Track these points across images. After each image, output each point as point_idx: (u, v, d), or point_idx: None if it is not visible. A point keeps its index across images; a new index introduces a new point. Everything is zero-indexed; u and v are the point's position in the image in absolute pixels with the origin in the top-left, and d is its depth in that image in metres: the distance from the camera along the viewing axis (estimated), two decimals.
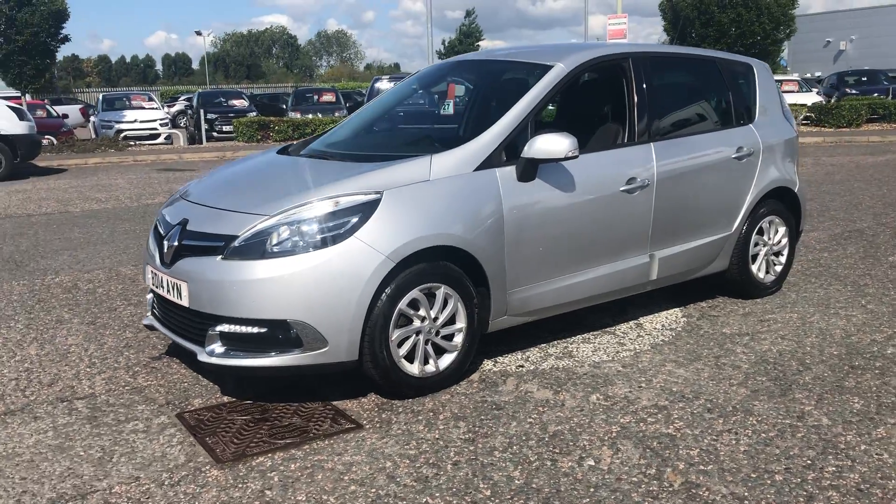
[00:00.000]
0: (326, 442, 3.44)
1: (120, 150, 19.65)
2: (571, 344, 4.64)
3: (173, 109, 29.48)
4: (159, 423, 3.67)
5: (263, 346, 3.63)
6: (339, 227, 3.62)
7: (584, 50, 4.73)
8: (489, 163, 4.05)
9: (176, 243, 3.88)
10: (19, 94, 28.04)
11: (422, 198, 3.81)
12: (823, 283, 5.91)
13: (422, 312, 3.83)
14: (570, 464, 3.18)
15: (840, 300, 5.44)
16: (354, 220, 3.64)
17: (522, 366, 4.31)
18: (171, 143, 21.90)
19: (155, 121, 22.72)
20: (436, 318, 3.89)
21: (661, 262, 4.79)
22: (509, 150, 4.12)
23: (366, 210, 3.67)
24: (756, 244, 5.41)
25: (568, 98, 5.22)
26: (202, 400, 3.94)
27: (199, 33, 64.37)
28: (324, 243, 3.58)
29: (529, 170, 4.11)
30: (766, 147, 5.35)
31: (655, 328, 4.91)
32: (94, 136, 22.46)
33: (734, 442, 3.34)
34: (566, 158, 4.05)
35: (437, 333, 3.92)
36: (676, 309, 5.30)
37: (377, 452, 3.32)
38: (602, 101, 4.93)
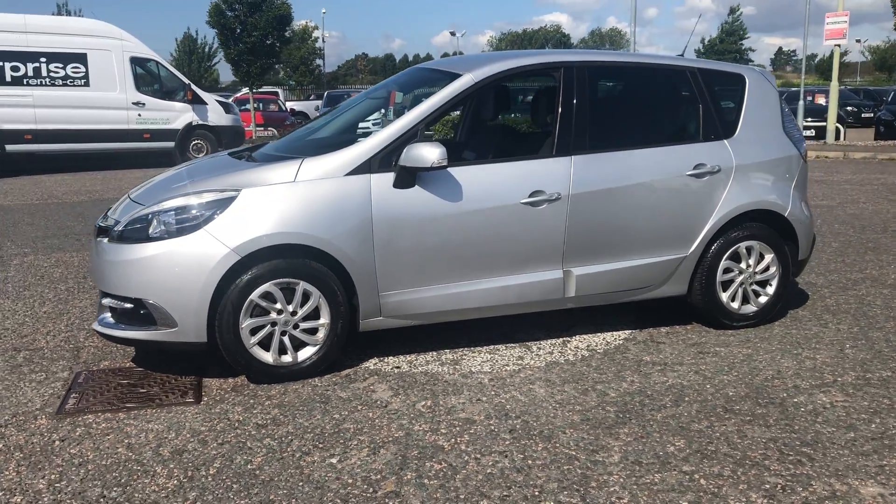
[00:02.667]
0: (155, 410, 3.86)
1: None
2: (470, 352, 4.65)
3: None
4: (57, 376, 4.31)
5: (132, 320, 4.13)
6: (193, 220, 4.02)
7: (507, 59, 4.68)
8: (364, 169, 4.21)
9: (98, 225, 4.50)
10: (276, 91, 31.38)
11: (281, 198, 4.09)
12: (833, 321, 5.26)
13: (278, 305, 4.11)
14: (316, 458, 3.33)
15: (824, 340, 4.85)
16: (208, 214, 4.02)
17: (399, 367, 4.43)
18: None
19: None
20: (294, 312, 4.15)
21: (579, 280, 4.62)
22: (395, 158, 4.24)
23: (221, 206, 4.03)
24: (728, 270, 4.98)
25: (495, 107, 5.16)
26: (110, 363, 4.54)
27: (452, 34, 67.38)
28: (179, 233, 4.00)
29: (405, 177, 4.21)
30: (741, 165, 4.90)
31: (577, 346, 4.75)
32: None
33: (492, 464, 3.28)
34: (433, 168, 4.11)
35: (297, 327, 4.17)
36: (626, 330, 5.05)
37: (178, 425, 3.68)
38: (530, 110, 4.84)
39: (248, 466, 3.26)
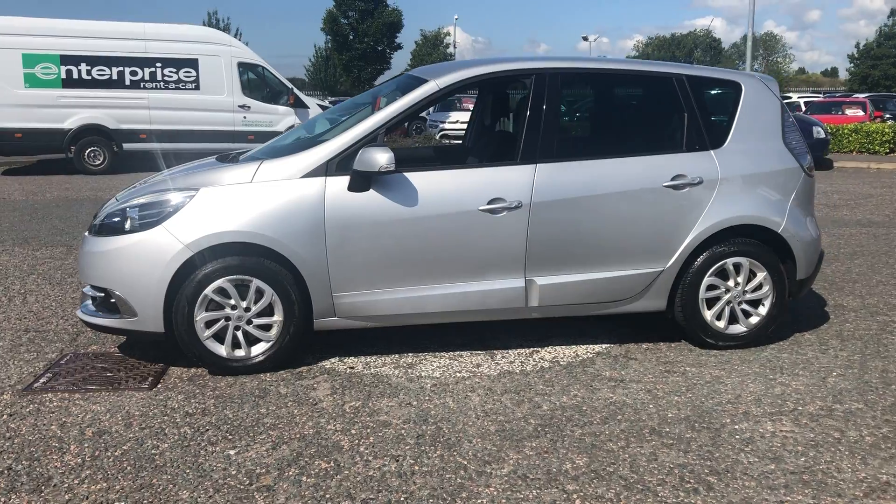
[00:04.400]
0: (109, 393, 4.13)
1: None
2: (432, 357, 4.67)
3: None
4: (46, 357, 4.68)
5: (105, 309, 4.43)
6: (153, 217, 4.27)
7: (474, 67, 4.66)
8: (320, 172, 4.33)
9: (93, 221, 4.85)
10: None
11: (236, 198, 4.27)
12: (837, 346, 4.91)
13: (232, 301, 4.29)
14: (217, 448, 3.47)
15: (811, 367, 4.54)
16: (167, 211, 4.25)
17: (353, 367, 4.52)
18: None
19: None
20: (248, 309, 4.32)
21: (543, 290, 4.55)
22: (353, 162, 4.33)
23: (179, 204, 4.26)
24: (713, 287, 4.75)
25: (493, 114, 5.13)
26: (98, 347, 4.87)
27: (585, 39, 66.51)
28: (141, 228, 4.26)
29: (359, 181, 4.30)
30: (727, 177, 4.67)
31: (543, 357, 4.67)
32: (416, 133, 25.03)
33: (379, 467, 3.31)
34: (381, 172, 4.18)
35: (250, 323, 4.34)
36: (605, 344, 4.92)
37: (118, 408, 3.92)
38: (500, 117, 4.79)
39: (152, 451, 3.44)
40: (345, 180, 4.31)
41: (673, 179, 4.60)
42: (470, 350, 4.80)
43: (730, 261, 4.72)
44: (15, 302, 5.88)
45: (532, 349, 4.83)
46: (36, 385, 4.23)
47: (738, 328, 4.82)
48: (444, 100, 4.52)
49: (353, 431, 3.65)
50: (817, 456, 3.42)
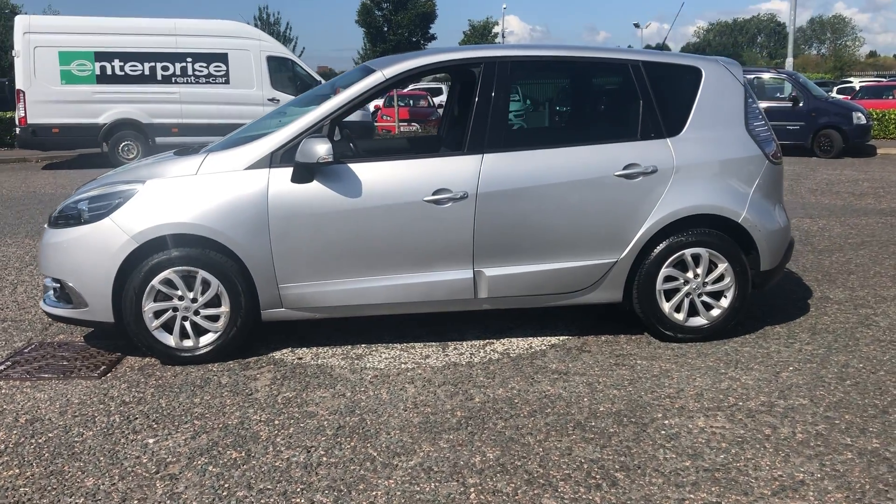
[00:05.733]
0: (58, 382, 4.24)
1: None
2: (383, 348, 4.67)
3: None
4: (13, 345, 4.83)
5: (63, 299, 4.54)
6: (102, 209, 4.35)
7: (422, 57, 4.62)
8: (265, 163, 4.36)
9: None
10: (440, 88, 32.00)
11: (181, 190, 4.33)
12: (805, 340, 4.74)
13: (179, 292, 4.36)
14: (139, 437, 3.53)
15: (769, 361, 4.39)
16: (115, 203, 4.33)
17: (302, 358, 4.54)
18: None
19: None
20: (195, 300, 4.38)
21: (492, 281, 4.50)
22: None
23: (126, 196, 4.33)
24: (670, 279, 4.63)
25: (460, 103, 5.07)
26: (66, 336, 5.00)
27: (636, 25, 65.33)
28: (91, 220, 4.35)
29: (302, 172, 4.31)
30: (683, 165, 4.54)
31: (494, 350, 4.63)
32: None
33: (288, 458, 3.33)
34: (320, 163, 4.19)
35: (198, 313, 4.40)
36: (562, 336, 4.84)
37: (60, 397, 4.02)
38: (456, 106, 4.75)
39: (75, 439, 3.52)
40: (289, 172, 4.33)
41: (625, 168, 4.49)
42: (424, 342, 4.79)
43: (688, 251, 4.60)
44: (4, 292, 6.07)
45: (487, 340, 4.79)
46: None
47: (699, 320, 4.69)
48: (391, 90, 4.47)
49: (277, 422, 3.67)
50: (738, 453, 3.32)
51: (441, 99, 30.11)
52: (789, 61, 22.86)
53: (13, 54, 16.03)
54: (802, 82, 17.00)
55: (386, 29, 21.80)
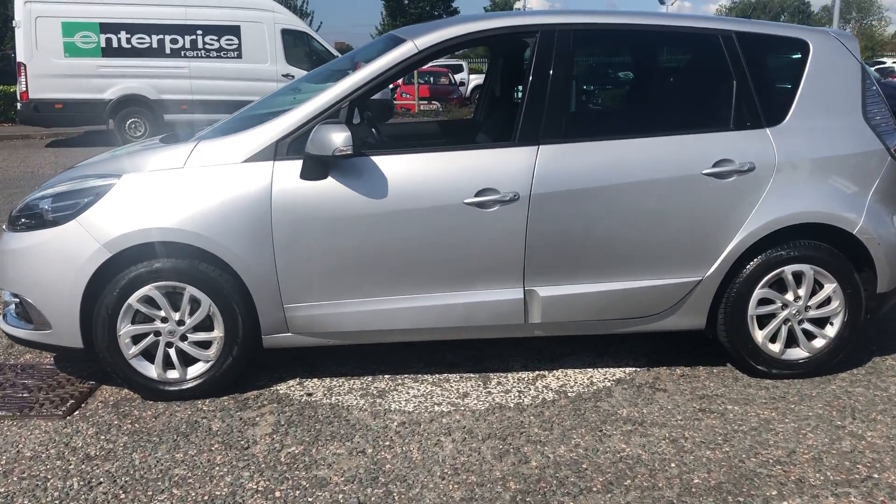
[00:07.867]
0: (7, 424, 3.43)
1: None
2: (411, 381, 3.84)
3: None
4: None
5: (22, 317, 3.73)
6: (68, 209, 3.52)
7: (463, 24, 3.73)
8: (268, 154, 3.51)
9: None
10: (460, 65, 31.17)
11: (164, 187, 3.49)
12: None
13: (162, 313, 3.53)
14: (74, 483, 2.73)
15: (892, 410, 3.53)
16: (84, 202, 3.50)
17: (312, 394, 3.72)
18: None
19: None
20: (181, 322, 3.55)
21: (546, 303, 3.64)
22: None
23: (98, 194, 3.50)
24: (765, 301, 3.76)
25: (503, 83, 4.19)
26: (34, 356, 4.20)
27: (661, 2, 63.59)
28: (54, 223, 3.52)
29: (314, 167, 3.46)
30: (787, 162, 3.65)
31: (547, 386, 3.78)
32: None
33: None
34: (335, 155, 3.33)
35: (185, 338, 3.58)
36: (630, 367, 3.99)
37: (9, 445, 3.23)
38: (498, 87, 3.87)
39: (34, 483, 2.72)
40: (297, 166, 3.48)
41: (715, 166, 3.61)
42: (460, 372, 3.95)
43: (788, 269, 3.72)
44: None
45: (537, 373, 3.95)
46: None
47: (798, 353, 3.82)
48: (423, 65, 3.59)
49: (278, 494, 2.85)
50: None
51: (461, 76, 29.05)
52: None
53: (13, 24, 15.20)
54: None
55: (406, 2, 20.78)
